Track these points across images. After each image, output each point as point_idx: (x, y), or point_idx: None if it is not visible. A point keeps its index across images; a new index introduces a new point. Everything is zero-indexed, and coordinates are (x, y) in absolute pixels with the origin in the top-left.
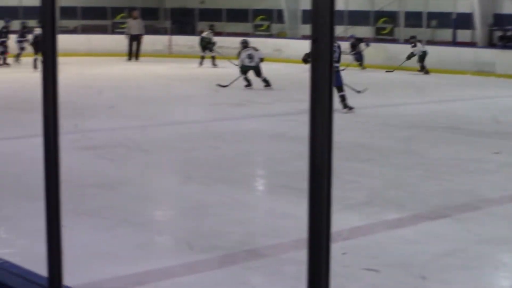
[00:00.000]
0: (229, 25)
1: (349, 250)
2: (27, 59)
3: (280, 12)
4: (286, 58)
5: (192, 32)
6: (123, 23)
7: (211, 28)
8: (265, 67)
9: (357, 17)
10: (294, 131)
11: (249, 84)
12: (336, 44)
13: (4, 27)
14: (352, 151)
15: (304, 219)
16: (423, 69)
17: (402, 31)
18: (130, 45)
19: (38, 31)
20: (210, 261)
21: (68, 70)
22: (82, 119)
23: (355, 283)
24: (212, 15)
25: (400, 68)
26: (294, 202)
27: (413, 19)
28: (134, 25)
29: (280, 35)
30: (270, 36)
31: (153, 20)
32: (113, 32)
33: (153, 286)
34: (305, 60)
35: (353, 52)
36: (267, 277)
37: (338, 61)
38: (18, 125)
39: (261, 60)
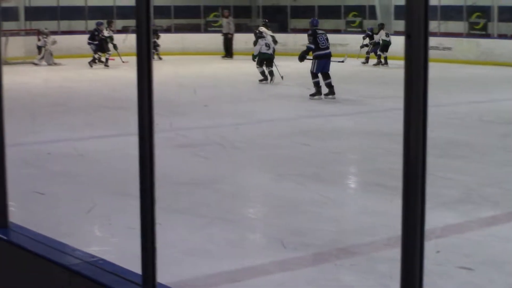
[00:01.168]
0: (321, 21)
1: (443, 248)
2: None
3: (372, 8)
4: None
5: (284, 29)
6: (215, 21)
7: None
8: (356, 63)
9: (450, 12)
10: (386, 128)
11: (265, 78)
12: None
13: (95, 30)
14: (447, 148)
15: (396, 217)
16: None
17: (496, 26)
18: (224, 44)
19: (106, 32)
20: (303, 259)
21: (163, 69)
22: (177, 118)
23: (448, 281)
24: (304, 12)
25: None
26: (387, 199)
27: (507, 13)
28: (226, 24)
29: (374, 31)
30: (363, 32)
31: (245, 18)
32: (205, 30)
33: (246, 283)
34: (301, 57)
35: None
36: (359, 275)
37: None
38: (113, 123)
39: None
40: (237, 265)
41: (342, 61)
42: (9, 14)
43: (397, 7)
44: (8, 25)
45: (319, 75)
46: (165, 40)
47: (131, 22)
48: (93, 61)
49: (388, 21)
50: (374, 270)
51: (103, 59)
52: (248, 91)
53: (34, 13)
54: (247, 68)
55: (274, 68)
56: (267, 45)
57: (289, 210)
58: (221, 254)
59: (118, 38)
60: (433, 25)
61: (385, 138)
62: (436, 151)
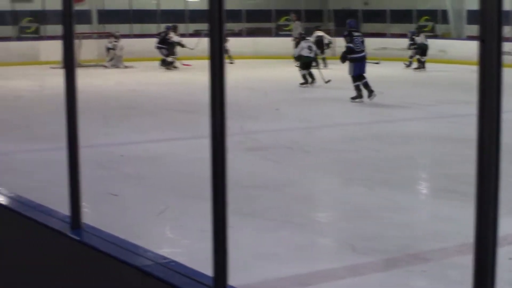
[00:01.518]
0: (392, 26)
1: None
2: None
3: (444, 13)
4: (451, 59)
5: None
6: (286, 25)
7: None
8: (429, 68)
9: None
10: (458, 133)
11: (306, 81)
12: (360, 33)
13: (163, 32)
14: None
15: (468, 223)
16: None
17: None
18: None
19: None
20: (373, 264)
21: (235, 72)
22: (248, 121)
23: None
24: (376, 16)
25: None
26: (458, 206)
27: None
28: (295, 27)
29: (445, 35)
30: (435, 36)
31: (316, 22)
32: (277, 34)
33: (316, 287)
34: (343, 58)
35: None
36: (430, 281)
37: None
38: (184, 125)
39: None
40: (307, 269)
41: (377, 63)
42: (82, 17)
43: (469, 12)
44: (81, 28)
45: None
46: (237, 43)
47: (203, 26)
48: (167, 64)
49: (460, 25)
50: (445, 276)
51: (177, 63)
52: (318, 95)
53: (107, 16)
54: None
55: (317, 71)
56: (310, 48)
57: (358, 215)
58: (290, 258)
59: (190, 42)
60: (506, 30)
61: (457, 143)
62: (510, 157)
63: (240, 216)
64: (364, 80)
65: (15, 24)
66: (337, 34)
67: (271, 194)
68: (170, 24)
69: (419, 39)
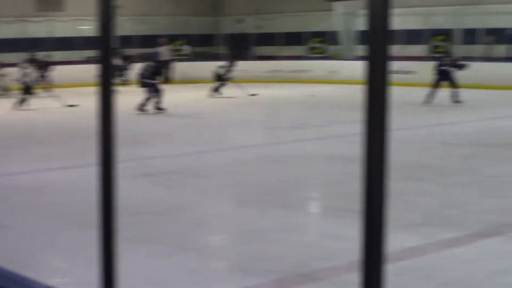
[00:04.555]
0: (284, 48)
1: (404, 271)
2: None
3: (335, 34)
4: (342, 80)
5: (247, 57)
6: (178, 50)
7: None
8: (320, 89)
9: (413, 36)
10: (350, 152)
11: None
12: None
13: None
14: (409, 171)
15: (358, 241)
16: None
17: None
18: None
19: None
20: (265, 285)
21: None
22: (139, 147)
23: None
24: (268, 39)
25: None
26: (350, 224)
27: (469, 36)
28: (163, 52)
29: (336, 56)
30: (325, 58)
31: (209, 46)
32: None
33: None
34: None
35: None
36: None
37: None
38: (75, 153)
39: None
40: None
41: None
42: None
43: (359, 32)
44: None
45: None
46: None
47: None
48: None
49: (351, 46)
50: None
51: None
52: (212, 118)
53: None
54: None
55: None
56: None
57: (252, 237)
58: (183, 283)
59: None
60: (395, 49)
61: (349, 162)
62: (398, 174)
63: (132, 243)
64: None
65: None
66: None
67: (164, 220)
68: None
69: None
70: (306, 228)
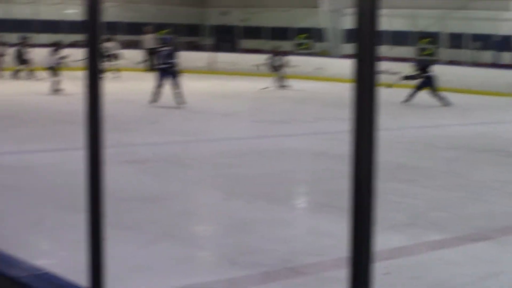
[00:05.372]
0: (271, 42)
1: (391, 270)
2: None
3: (321, 31)
4: (328, 77)
5: (233, 49)
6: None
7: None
8: (306, 86)
9: (399, 38)
10: (336, 149)
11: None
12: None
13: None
14: (395, 172)
15: (345, 238)
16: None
17: (444, 52)
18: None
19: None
20: (252, 278)
21: (112, 85)
22: (126, 134)
23: None
24: (254, 32)
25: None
26: (336, 220)
27: (456, 40)
28: (147, 40)
29: (322, 53)
30: (312, 54)
31: (195, 37)
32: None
33: None
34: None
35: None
36: None
37: None
38: (62, 136)
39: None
40: (184, 282)
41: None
42: None
43: (346, 31)
44: None
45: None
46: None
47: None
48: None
49: (337, 44)
50: None
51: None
52: (199, 110)
53: None
54: (197, 86)
55: None
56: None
57: (238, 229)
58: (167, 271)
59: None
60: (383, 49)
61: (335, 159)
62: (385, 175)
63: (118, 229)
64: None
65: None
66: (216, 49)
67: (150, 207)
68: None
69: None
70: (293, 222)
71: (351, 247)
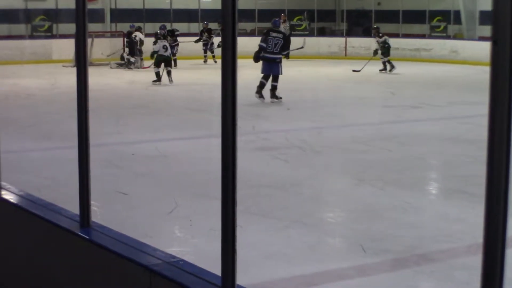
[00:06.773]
0: (405, 26)
1: None
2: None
3: (457, 13)
4: (463, 60)
5: (368, 33)
6: (300, 25)
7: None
8: (440, 69)
9: None
10: (468, 134)
11: (159, 79)
12: (280, 35)
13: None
14: None
15: (476, 224)
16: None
17: None
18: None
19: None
20: (381, 264)
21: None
22: (258, 121)
23: None
24: (388, 16)
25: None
26: (467, 206)
27: None
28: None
29: (457, 36)
30: (447, 37)
31: (329, 22)
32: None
33: (324, 287)
34: (255, 58)
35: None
36: (438, 282)
37: (280, 52)
38: (195, 125)
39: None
40: (315, 269)
41: (302, 47)
42: (95, 16)
43: (482, 13)
44: (94, 27)
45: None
46: (250, 43)
47: (215, 25)
48: (127, 64)
49: (473, 26)
50: (452, 277)
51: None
52: (330, 95)
53: (120, 15)
54: (330, 72)
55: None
56: (165, 47)
57: (368, 215)
58: (299, 258)
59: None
60: None
61: (468, 144)
62: None
63: (250, 216)
64: (275, 84)
65: (28, 22)
66: (351, 34)
67: (281, 194)
68: (135, 24)
69: (383, 40)
70: (423, 209)
71: (485, 233)
